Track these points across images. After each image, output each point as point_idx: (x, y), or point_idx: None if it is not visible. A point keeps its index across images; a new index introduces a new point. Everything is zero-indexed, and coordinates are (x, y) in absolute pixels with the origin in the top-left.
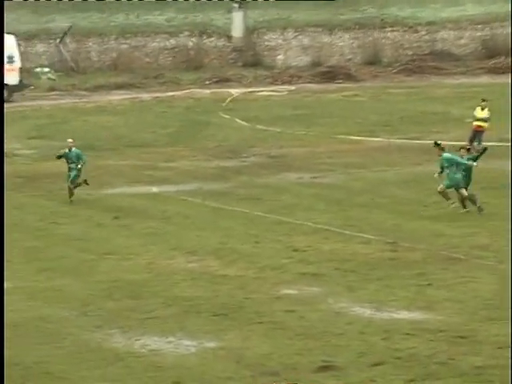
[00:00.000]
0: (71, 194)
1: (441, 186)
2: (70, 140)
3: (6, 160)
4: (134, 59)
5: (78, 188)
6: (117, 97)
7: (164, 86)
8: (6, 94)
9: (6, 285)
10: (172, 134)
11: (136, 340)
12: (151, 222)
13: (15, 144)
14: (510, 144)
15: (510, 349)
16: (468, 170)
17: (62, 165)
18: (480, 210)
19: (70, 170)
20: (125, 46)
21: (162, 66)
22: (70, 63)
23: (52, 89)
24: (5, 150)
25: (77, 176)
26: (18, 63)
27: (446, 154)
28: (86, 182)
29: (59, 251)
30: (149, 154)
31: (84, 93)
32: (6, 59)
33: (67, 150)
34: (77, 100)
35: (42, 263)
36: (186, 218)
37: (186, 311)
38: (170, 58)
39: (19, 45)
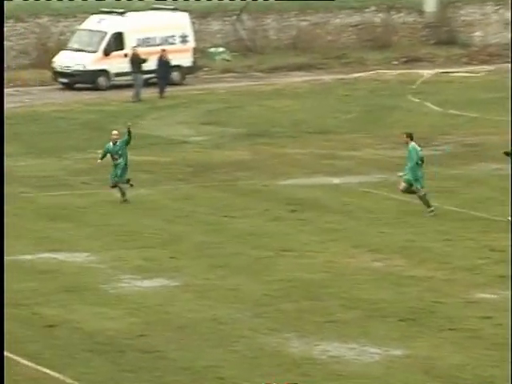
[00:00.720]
0: (122, 192)
1: (402, 185)
2: (115, 132)
3: (175, 147)
4: (315, 37)
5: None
6: (296, 79)
7: (347, 67)
8: (178, 76)
9: (175, 282)
10: (355, 120)
11: (315, 345)
12: (331, 216)
13: (186, 130)
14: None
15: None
16: None
17: (236, 154)
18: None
19: (116, 166)
20: (305, 24)
21: (345, 45)
22: (247, 42)
23: (227, 70)
24: (174, 137)
25: (126, 169)
26: (191, 43)
27: (414, 145)
28: (128, 181)
29: (232, 247)
30: (329, 141)
31: (261, 74)
32: (179, 39)
33: (111, 144)
34: (253, 82)
35: (214, 260)
36: (370, 212)
37: (370, 315)
38: (355, 36)
39: (193, 23)
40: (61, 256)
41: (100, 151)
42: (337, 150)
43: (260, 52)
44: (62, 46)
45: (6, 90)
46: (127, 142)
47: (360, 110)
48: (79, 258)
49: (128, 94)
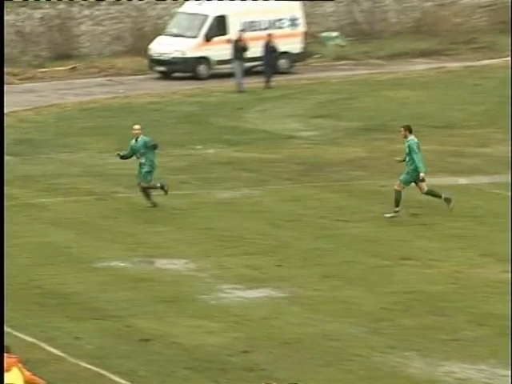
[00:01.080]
0: (147, 195)
1: (399, 185)
2: (137, 126)
3: (282, 143)
4: (440, 20)
5: (157, 190)
6: (418, 66)
7: (477, 53)
8: (286, 64)
9: (281, 293)
10: (486, 113)
11: (438, 366)
12: (457, 221)
13: (294, 124)
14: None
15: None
16: None
17: (350, 150)
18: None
19: (140, 165)
20: (429, 4)
21: (475, 28)
22: (363, 26)
23: (341, 57)
24: (281, 132)
25: (150, 172)
26: (301, 27)
27: (413, 140)
28: (163, 188)
29: (346, 255)
30: (456, 136)
31: (379, 62)
32: (287, 22)
33: (133, 141)
34: (370, 71)
35: (325, 269)
36: (501, 217)
37: (501, 333)
38: (486, 18)
39: (304, 5)
40: (157, 263)
41: (199, 147)
42: (464, 147)
43: (378, 37)
44: (159, 30)
45: (98, 80)
46: (149, 146)
47: (491, 101)
48: (177, 265)
49: (231, 83)
